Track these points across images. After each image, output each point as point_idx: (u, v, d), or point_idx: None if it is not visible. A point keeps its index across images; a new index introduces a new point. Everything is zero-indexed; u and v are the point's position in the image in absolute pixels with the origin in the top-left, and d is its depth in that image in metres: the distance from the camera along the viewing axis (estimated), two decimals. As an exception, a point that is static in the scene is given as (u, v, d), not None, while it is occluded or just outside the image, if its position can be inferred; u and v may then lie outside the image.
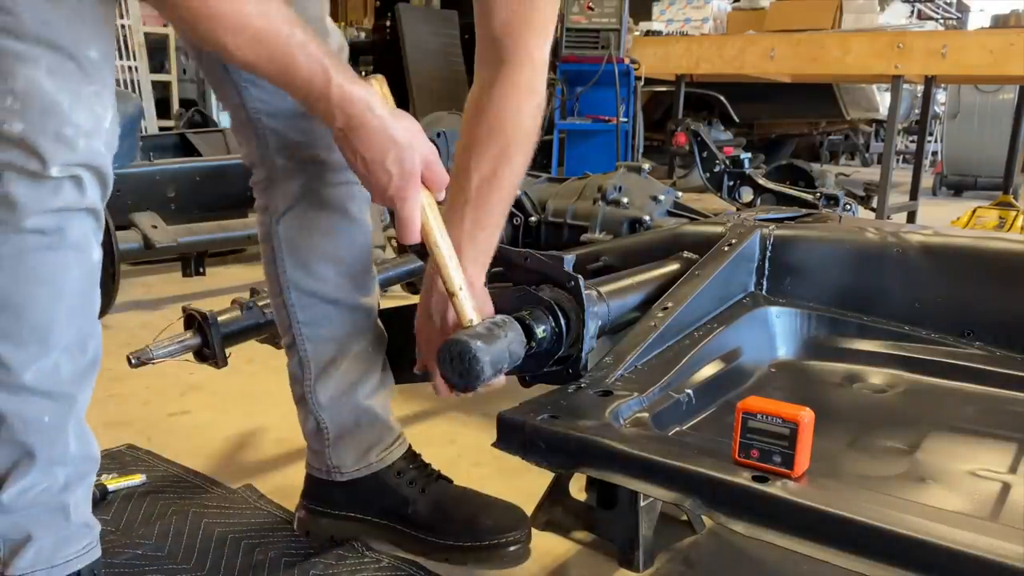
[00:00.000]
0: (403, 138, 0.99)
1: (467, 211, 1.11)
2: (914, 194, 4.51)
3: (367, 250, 1.28)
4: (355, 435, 1.28)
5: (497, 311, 1.14)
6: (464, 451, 1.66)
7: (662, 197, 2.05)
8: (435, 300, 1.14)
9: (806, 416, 0.88)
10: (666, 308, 1.32)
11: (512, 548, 1.23)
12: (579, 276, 1.16)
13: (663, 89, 5.44)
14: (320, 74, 0.94)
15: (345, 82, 0.95)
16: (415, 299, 1.53)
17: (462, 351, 1.00)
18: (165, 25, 6.32)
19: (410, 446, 1.35)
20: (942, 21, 7.42)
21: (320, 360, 1.26)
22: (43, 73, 0.87)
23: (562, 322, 1.14)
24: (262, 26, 0.90)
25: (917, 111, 5.70)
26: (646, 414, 1.10)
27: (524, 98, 1.13)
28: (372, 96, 0.98)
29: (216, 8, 0.87)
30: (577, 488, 1.31)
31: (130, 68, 5.78)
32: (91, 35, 0.91)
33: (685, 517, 1.34)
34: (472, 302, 1.07)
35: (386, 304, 1.37)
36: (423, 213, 1.04)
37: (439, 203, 1.09)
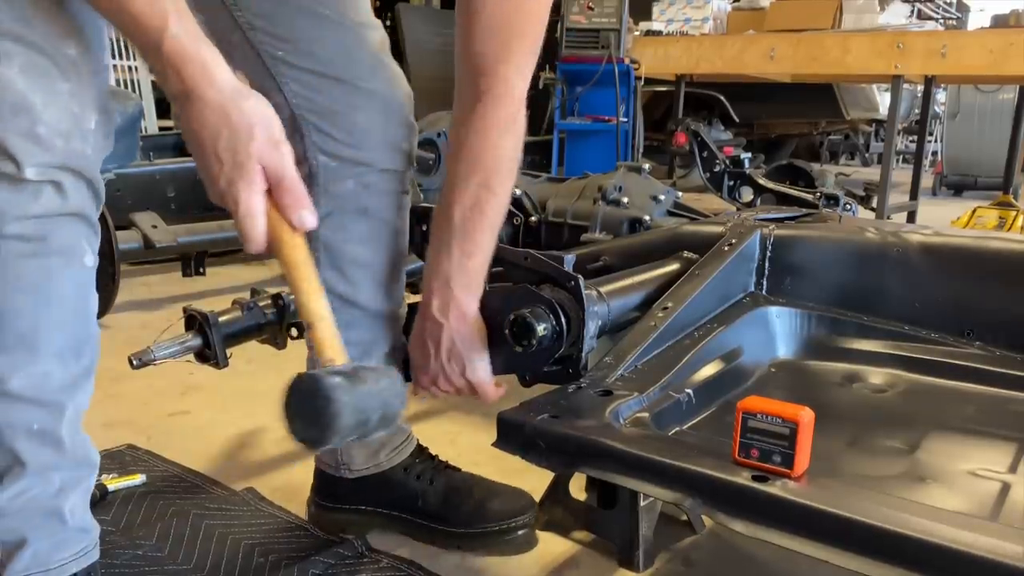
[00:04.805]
0: (239, 121, 0.83)
1: (454, 242, 1.11)
2: (914, 194, 4.51)
3: (403, 258, 1.28)
4: None
5: (498, 310, 1.15)
6: (464, 451, 1.65)
7: (662, 197, 2.05)
8: (429, 326, 1.14)
9: (806, 416, 0.88)
10: (666, 308, 1.32)
11: (521, 532, 1.28)
12: (579, 276, 1.16)
13: (663, 89, 5.44)
14: (154, 21, 0.79)
15: (186, 38, 0.80)
16: (415, 298, 1.53)
17: (315, 388, 0.80)
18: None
19: (417, 441, 1.36)
20: (942, 21, 7.41)
21: None
22: (16, 71, 0.82)
23: (562, 321, 1.15)
24: None
25: (917, 111, 5.69)
26: (646, 414, 1.10)
27: (504, 134, 1.10)
28: (216, 63, 0.83)
29: None
30: (577, 488, 1.31)
31: (130, 68, 5.76)
32: (69, 30, 0.86)
33: (685, 517, 1.34)
34: (334, 337, 0.89)
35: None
36: (273, 222, 0.87)
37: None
